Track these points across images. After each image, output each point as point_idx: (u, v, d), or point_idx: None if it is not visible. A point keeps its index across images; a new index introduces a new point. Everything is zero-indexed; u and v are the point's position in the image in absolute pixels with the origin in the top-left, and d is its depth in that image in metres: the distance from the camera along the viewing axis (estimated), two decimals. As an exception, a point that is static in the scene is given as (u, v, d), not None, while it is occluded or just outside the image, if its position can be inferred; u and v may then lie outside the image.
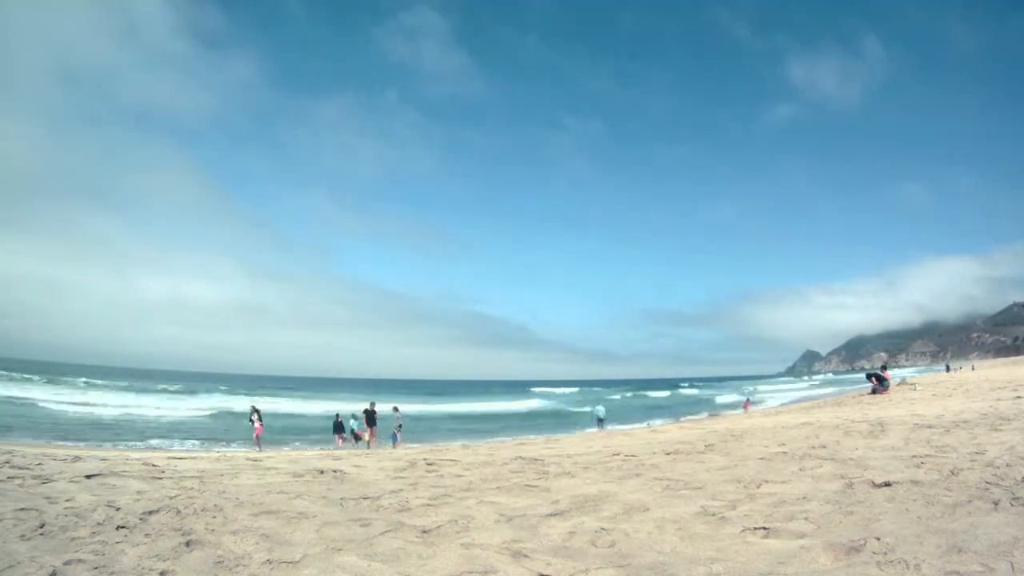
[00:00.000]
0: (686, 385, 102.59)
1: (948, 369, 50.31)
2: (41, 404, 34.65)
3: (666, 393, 72.34)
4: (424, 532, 4.03)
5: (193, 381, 79.56)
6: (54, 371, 74.10)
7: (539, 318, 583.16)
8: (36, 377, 56.39)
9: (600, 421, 23.80)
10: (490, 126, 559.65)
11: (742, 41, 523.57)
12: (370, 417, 19.05)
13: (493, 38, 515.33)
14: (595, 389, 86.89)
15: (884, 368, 22.96)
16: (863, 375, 24.08)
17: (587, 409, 37.24)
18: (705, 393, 70.56)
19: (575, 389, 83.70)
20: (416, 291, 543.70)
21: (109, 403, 38.03)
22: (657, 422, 24.43)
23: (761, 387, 75.28)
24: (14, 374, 56.60)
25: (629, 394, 71.52)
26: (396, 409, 20.06)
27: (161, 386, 60.10)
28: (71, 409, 33.71)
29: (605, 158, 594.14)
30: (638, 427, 20.54)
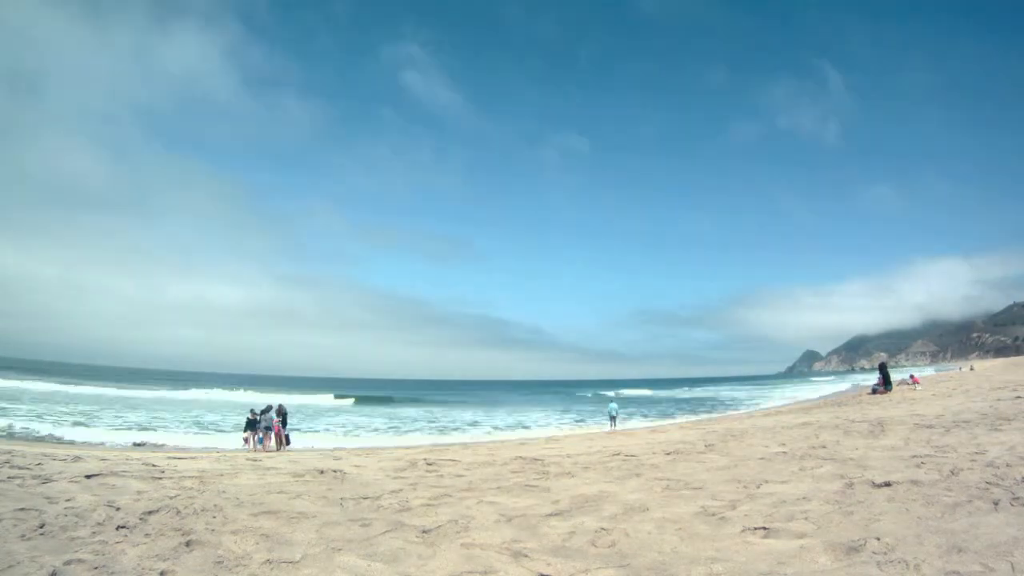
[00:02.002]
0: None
1: (960, 370, 53.34)
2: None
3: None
4: (424, 532, 4.03)
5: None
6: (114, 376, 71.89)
7: (551, 321, 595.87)
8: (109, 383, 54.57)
9: (613, 418, 23.87)
10: (497, 147, 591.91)
11: (731, 67, 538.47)
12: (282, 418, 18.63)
13: (496, 75, 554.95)
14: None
15: (884, 367, 23.01)
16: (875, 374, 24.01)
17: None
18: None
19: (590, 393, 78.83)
20: (431, 296, 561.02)
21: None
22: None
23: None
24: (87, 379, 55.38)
25: (589, 394, 66.91)
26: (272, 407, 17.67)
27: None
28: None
29: (609, 170, 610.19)
30: (639, 427, 20.48)
